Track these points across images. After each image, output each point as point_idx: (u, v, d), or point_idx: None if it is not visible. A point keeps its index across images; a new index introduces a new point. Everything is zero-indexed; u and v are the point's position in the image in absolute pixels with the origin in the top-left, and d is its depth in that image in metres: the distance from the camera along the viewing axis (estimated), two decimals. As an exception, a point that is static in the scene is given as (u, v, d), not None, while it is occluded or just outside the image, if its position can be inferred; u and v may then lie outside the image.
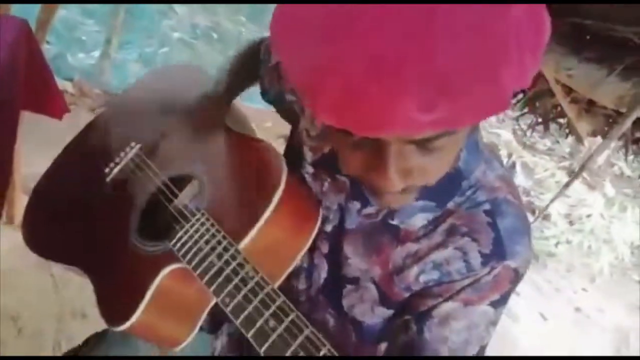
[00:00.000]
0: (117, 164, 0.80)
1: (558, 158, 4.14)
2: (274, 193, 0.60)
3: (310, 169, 0.68)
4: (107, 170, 0.80)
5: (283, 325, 0.52)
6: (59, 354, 1.40)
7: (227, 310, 0.55)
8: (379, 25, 0.35)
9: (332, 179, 0.65)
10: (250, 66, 0.83)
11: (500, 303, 0.58)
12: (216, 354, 0.78)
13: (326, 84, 0.38)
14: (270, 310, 0.53)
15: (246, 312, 0.54)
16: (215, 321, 0.77)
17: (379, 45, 0.35)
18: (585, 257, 3.05)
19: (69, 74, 2.87)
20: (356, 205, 0.63)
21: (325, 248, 0.68)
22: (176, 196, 0.71)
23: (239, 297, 0.55)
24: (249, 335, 0.53)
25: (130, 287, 0.65)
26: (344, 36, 0.36)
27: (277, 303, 0.54)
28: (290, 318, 0.52)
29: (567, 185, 1.27)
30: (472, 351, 0.59)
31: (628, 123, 0.93)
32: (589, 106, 1.26)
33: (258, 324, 0.53)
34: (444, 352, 0.58)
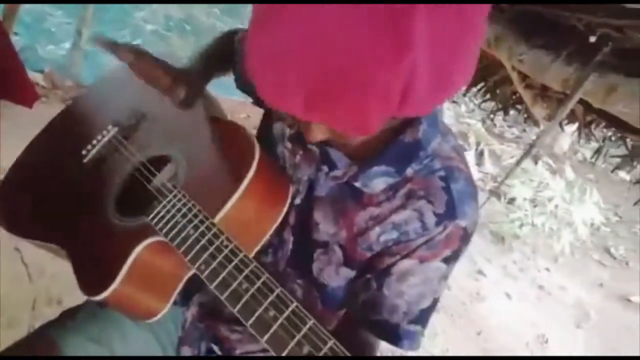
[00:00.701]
0: (94, 146, 0.83)
1: (525, 145, 4.30)
2: (247, 171, 0.65)
3: (288, 144, 0.73)
4: (84, 152, 0.83)
5: (255, 287, 0.57)
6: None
7: (203, 276, 0.59)
8: (292, 23, 0.43)
9: (304, 151, 0.70)
10: (224, 53, 0.87)
11: (451, 259, 0.65)
12: (187, 324, 0.83)
13: (256, 70, 0.47)
14: (244, 274, 0.58)
15: (221, 277, 0.58)
16: (187, 293, 0.82)
17: (285, 41, 0.44)
18: (548, 238, 3.19)
19: (39, 66, 2.82)
20: (325, 169, 0.68)
21: (292, 220, 0.73)
22: (154, 176, 0.76)
23: (214, 264, 0.59)
24: (224, 297, 0.58)
25: (108, 259, 0.68)
26: (267, 28, 0.45)
27: (250, 267, 0.58)
28: (261, 280, 0.57)
29: (518, 162, 1.36)
30: (426, 303, 0.65)
31: (572, 104, 1.00)
32: (543, 91, 1.34)
33: (232, 287, 0.57)
34: (402, 305, 0.65)
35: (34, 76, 2.67)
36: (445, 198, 0.62)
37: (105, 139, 0.84)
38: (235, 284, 0.58)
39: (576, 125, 1.52)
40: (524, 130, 4.64)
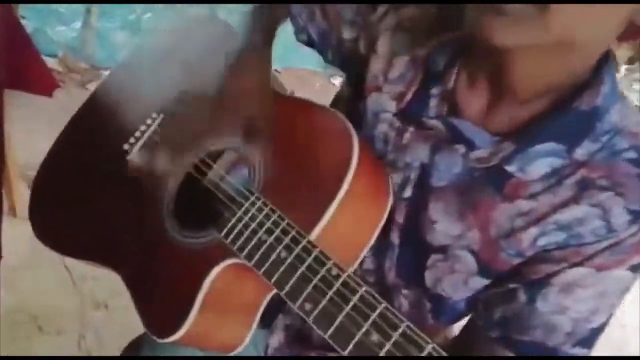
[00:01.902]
0: (137, 139, 0.67)
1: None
2: (346, 169, 0.50)
3: (394, 122, 0.57)
4: (126, 147, 0.68)
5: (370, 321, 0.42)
6: (84, 348, 1.33)
7: (310, 318, 0.45)
8: None
9: (416, 127, 0.55)
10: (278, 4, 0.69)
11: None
12: (271, 350, 0.69)
13: None
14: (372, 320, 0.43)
15: (337, 323, 0.43)
16: (269, 313, 0.68)
17: None
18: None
19: (51, 50, 2.68)
20: (460, 149, 0.53)
21: (401, 217, 0.57)
22: (221, 177, 0.60)
23: (325, 301, 0.45)
24: (328, 335, 0.45)
25: (175, 291, 0.55)
26: None
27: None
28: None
29: None
30: (599, 320, 0.51)
31: None
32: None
33: (355, 336, 0.43)
34: (564, 324, 0.51)
35: (47, 61, 2.52)
36: None
37: (151, 129, 0.67)
38: (360, 334, 0.44)
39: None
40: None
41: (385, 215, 0.56)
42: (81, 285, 1.46)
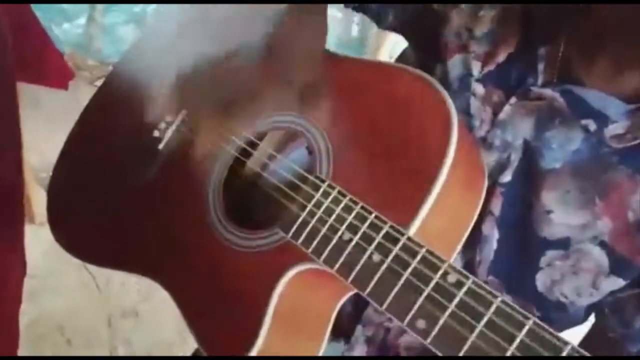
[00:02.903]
0: (169, 123, 0.57)
1: None
2: (444, 151, 0.39)
3: (479, 89, 0.46)
4: (156, 133, 0.57)
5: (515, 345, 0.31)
6: None
7: (428, 339, 0.34)
8: None
9: (521, 98, 0.45)
10: None
11: None
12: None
13: None
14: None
15: (468, 345, 0.32)
16: (342, 323, 0.57)
17: None
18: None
19: (58, 48, 2.59)
20: (588, 126, 0.43)
21: (497, 206, 0.47)
22: (276, 161, 0.49)
23: (445, 317, 0.34)
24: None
25: (238, 306, 0.45)
26: None
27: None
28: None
29: None
30: None
31: None
32: None
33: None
34: None
35: (55, 59, 2.45)
36: None
37: (184, 111, 0.57)
38: (462, 332, 0.34)
39: None
40: None
41: (481, 203, 0.45)
42: (107, 291, 1.37)
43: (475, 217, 0.45)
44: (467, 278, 0.34)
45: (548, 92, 0.44)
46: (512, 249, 0.48)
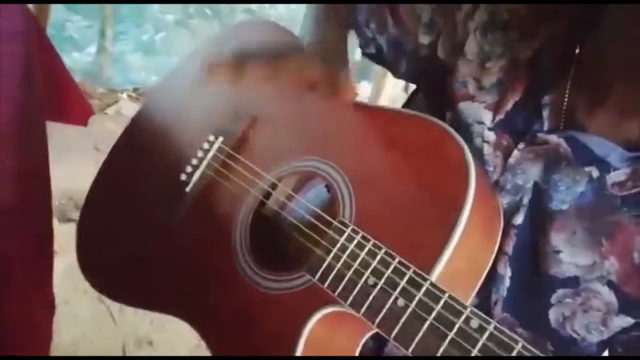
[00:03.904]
0: (195, 166, 0.59)
1: None
2: (464, 196, 0.41)
3: (491, 136, 0.48)
4: (183, 176, 0.60)
5: None
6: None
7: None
8: None
9: (527, 144, 0.47)
10: (343, 10, 0.61)
11: None
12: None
13: None
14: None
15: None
16: (369, 357, 0.59)
17: None
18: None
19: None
20: (592, 172, 0.44)
21: (509, 246, 0.49)
22: (300, 205, 0.51)
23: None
24: None
25: (266, 346, 0.47)
26: None
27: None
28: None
29: None
30: None
31: None
32: None
33: None
34: None
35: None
36: None
37: (210, 154, 0.59)
38: None
39: None
40: None
41: (497, 244, 0.47)
42: (121, 320, 1.39)
43: (492, 260, 0.47)
44: (489, 323, 0.36)
45: (553, 138, 0.46)
46: (524, 286, 0.50)
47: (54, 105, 0.97)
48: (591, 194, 0.46)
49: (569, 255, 0.47)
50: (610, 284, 0.46)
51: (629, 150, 0.44)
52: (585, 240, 0.46)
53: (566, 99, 0.47)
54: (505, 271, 0.50)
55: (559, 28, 0.48)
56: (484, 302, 0.52)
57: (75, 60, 2.92)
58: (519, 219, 0.49)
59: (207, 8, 4.15)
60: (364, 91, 2.56)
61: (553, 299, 0.48)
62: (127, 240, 0.62)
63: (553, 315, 0.49)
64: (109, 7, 2.79)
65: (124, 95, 2.65)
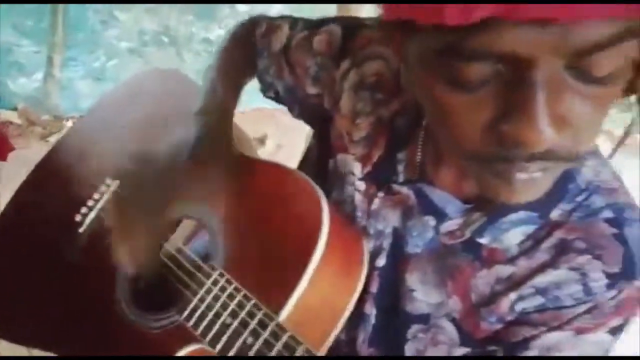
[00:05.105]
0: (90, 208, 0.63)
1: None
2: (316, 240, 0.46)
3: (361, 186, 0.54)
4: (78, 218, 0.63)
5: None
6: None
7: None
8: None
9: (385, 193, 0.52)
10: (244, 58, 0.67)
11: (620, 329, 0.47)
12: None
13: None
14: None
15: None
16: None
17: None
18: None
19: (11, 103, 2.60)
20: (429, 221, 0.49)
21: (375, 287, 0.54)
22: (178, 249, 0.55)
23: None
24: None
25: None
26: None
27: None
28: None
29: (611, 155, 1.17)
30: None
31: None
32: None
33: None
34: None
35: (6, 115, 2.46)
36: (621, 251, 0.44)
37: (105, 197, 0.63)
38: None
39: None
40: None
41: (361, 286, 0.52)
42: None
43: (354, 301, 0.52)
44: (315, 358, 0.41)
45: (404, 189, 0.51)
46: (386, 323, 0.55)
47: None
48: (441, 241, 0.50)
49: (422, 294, 0.51)
50: (453, 320, 0.50)
51: (465, 203, 0.49)
52: (434, 280, 0.51)
53: (419, 156, 0.52)
54: (371, 310, 0.55)
55: (410, 96, 0.54)
56: (352, 339, 0.57)
57: (22, 86, 2.86)
58: (381, 262, 0.53)
59: (164, 36, 4.17)
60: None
61: (409, 335, 0.53)
62: (22, 280, 0.64)
63: (409, 349, 0.53)
64: (59, 33, 2.77)
65: (69, 123, 2.62)
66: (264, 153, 2.72)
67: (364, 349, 0.56)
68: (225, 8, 4.57)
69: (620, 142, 1.11)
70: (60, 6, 2.68)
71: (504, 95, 0.32)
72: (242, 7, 4.64)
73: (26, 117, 2.51)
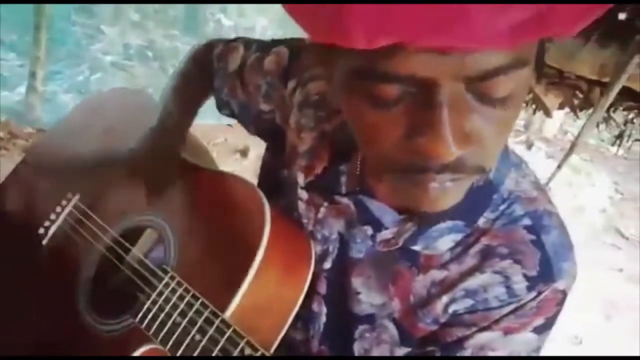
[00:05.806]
0: (52, 221, 0.65)
1: (514, 133, 4.17)
2: (258, 241, 0.49)
3: (304, 195, 0.57)
4: (41, 230, 0.65)
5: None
6: None
7: None
8: None
9: (329, 203, 0.55)
10: (201, 79, 0.70)
11: (545, 328, 0.51)
12: None
13: None
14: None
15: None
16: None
17: None
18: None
19: (-6, 115, 2.61)
20: (367, 230, 0.52)
21: (323, 288, 0.57)
22: (133, 256, 0.58)
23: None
24: None
25: None
26: None
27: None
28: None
29: (560, 165, 1.22)
30: None
31: (614, 93, 0.87)
32: (558, 79, 1.21)
33: None
34: None
35: (-11, 128, 2.46)
36: (538, 255, 0.48)
37: (66, 210, 0.66)
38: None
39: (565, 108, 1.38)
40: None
41: (306, 285, 0.55)
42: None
43: (302, 296, 0.54)
44: (257, 350, 0.44)
45: (344, 200, 0.53)
46: (336, 323, 0.57)
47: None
48: (380, 248, 0.53)
49: (366, 296, 0.54)
50: (394, 320, 0.53)
51: (401, 213, 0.51)
52: (377, 284, 0.53)
53: (359, 169, 0.54)
54: (321, 309, 0.57)
55: None
56: (304, 336, 0.60)
57: (4, 98, 2.88)
58: (328, 264, 0.56)
59: (149, 50, 4.21)
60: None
61: (356, 335, 0.55)
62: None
63: (356, 348, 0.56)
64: (43, 47, 2.79)
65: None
66: (247, 164, 2.76)
67: (314, 346, 0.59)
68: (210, 23, 4.64)
69: (568, 154, 1.16)
70: (44, 21, 2.70)
71: (415, 113, 0.35)
72: (227, 22, 4.71)
73: (9, 130, 2.51)
